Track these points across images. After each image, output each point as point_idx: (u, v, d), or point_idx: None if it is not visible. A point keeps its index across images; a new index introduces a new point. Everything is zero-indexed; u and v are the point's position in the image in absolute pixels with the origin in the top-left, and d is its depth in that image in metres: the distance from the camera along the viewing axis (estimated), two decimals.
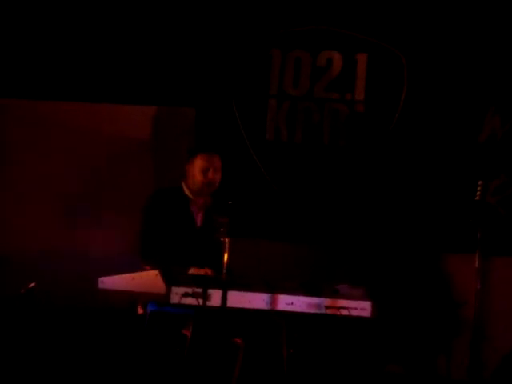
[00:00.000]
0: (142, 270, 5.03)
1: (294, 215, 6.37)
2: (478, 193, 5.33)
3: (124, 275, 4.85)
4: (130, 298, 4.88)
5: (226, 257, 4.71)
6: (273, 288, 4.92)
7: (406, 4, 6.30)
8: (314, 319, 5.03)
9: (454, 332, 6.19)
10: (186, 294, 4.72)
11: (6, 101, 6.45)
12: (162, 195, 5.45)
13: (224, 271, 4.71)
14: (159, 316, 4.92)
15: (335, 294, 5.00)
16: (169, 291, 4.72)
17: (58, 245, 6.30)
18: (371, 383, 6.05)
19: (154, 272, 4.79)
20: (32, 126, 6.44)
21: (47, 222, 6.36)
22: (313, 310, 4.94)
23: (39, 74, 6.43)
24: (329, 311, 4.96)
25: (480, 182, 5.34)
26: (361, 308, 5.01)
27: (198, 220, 5.44)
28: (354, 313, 4.99)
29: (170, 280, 4.75)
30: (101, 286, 4.88)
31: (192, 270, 5.11)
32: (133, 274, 4.84)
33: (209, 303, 4.75)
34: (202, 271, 5.09)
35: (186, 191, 5.45)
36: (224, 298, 4.68)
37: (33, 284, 5.35)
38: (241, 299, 4.82)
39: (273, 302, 4.88)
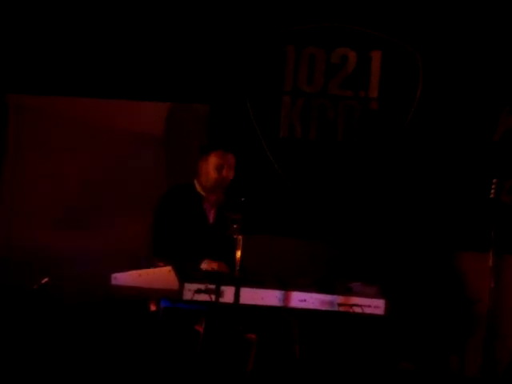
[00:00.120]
0: (155, 266, 5.04)
1: (308, 212, 6.37)
2: (492, 191, 5.32)
3: (137, 271, 4.85)
4: (143, 295, 4.89)
5: (238, 254, 4.71)
6: (286, 285, 4.91)
7: (421, 1, 6.28)
8: (326, 316, 5.03)
9: (468, 330, 6.17)
10: (198, 291, 4.72)
11: (18, 96, 6.46)
12: (175, 192, 5.45)
13: (237, 268, 4.71)
14: (172, 312, 4.92)
15: (348, 292, 5.00)
16: (182, 287, 4.72)
17: (71, 241, 6.32)
18: (384, 381, 6.04)
19: (167, 268, 4.79)
20: (44, 122, 6.46)
21: (60, 219, 6.38)
22: (325, 308, 4.93)
23: (53, 70, 6.45)
24: (342, 308, 4.95)
25: (494, 181, 5.32)
26: (374, 306, 5.01)
27: (211, 217, 5.44)
28: (367, 310, 4.99)
29: (183, 276, 4.75)
30: (114, 282, 4.89)
31: (205, 263, 5.11)
32: (146, 270, 4.85)
33: (222, 300, 4.75)
34: (215, 264, 5.09)
35: (199, 188, 5.44)
36: (237, 295, 4.68)
37: (46, 279, 5.36)
38: (253, 296, 4.81)
39: (285, 298, 4.88)
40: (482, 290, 5.50)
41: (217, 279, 4.80)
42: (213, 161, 5.39)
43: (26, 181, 6.44)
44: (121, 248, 6.12)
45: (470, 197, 6.17)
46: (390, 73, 6.33)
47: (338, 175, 6.38)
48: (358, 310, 4.95)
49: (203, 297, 4.74)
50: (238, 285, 4.70)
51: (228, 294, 4.74)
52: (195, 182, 5.46)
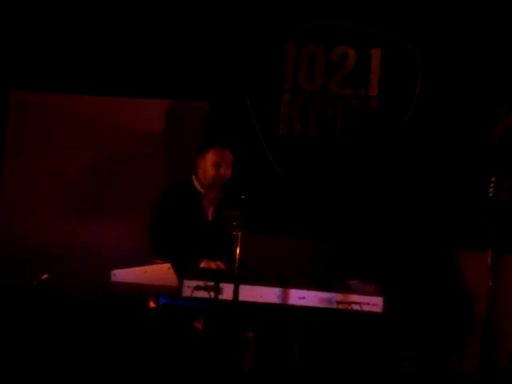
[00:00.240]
0: (154, 263, 5.05)
1: (307, 210, 6.37)
2: (491, 189, 5.32)
3: (136, 268, 4.86)
4: (142, 291, 4.89)
5: (237, 251, 4.72)
6: (284, 282, 4.92)
7: None
8: (325, 314, 5.03)
9: (466, 329, 6.18)
10: (197, 288, 4.74)
11: (20, 93, 6.47)
12: (174, 190, 5.45)
13: (236, 265, 4.71)
14: (171, 309, 4.93)
15: (347, 289, 5.01)
16: (181, 284, 4.74)
17: (71, 238, 6.33)
18: (382, 379, 6.04)
19: (167, 265, 4.80)
20: (44, 119, 6.46)
21: (58, 214, 6.38)
22: (324, 305, 4.94)
23: (54, 67, 6.45)
24: (340, 306, 4.96)
25: (493, 179, 5.32)
26: (372, 303, 5.01)
27: (210, 214, 5.44)
28: (366, 308, 4.99)
29: (182, 273, 4.76)
30: (113, 278, 4.90)
31: (204, 263, 5.11)
32: (145, 267, 4.86)
33: (221, 297, 4.76)
34: (213, 264, 5.09)
35: (197, 186, 5.44)
36: (236, 292, 4.69)
37: (45, 276, 5.37)
38: (252, 293, 4.82)
39: (284, 296, 4.89)
40: (481, 289, 5.50)
41: (216, 276, 4.81)
42: (210, 158, 5.39)
43: (27, 177, 6.44)
44: (121, 245, 6.13)
45: (469, 195, 6.18)
46: (390, 71, 6.33)
47: (338, 173, 6.39)
48: (356, 307, 4.96)
49: (202, 294, 4.75)
50: (236, 282, 4.71)
51: (227, 291, 4.75)
52: (194, 179, 5.47)
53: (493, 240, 5.29)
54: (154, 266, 4.89)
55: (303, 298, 4.91)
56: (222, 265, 5.09)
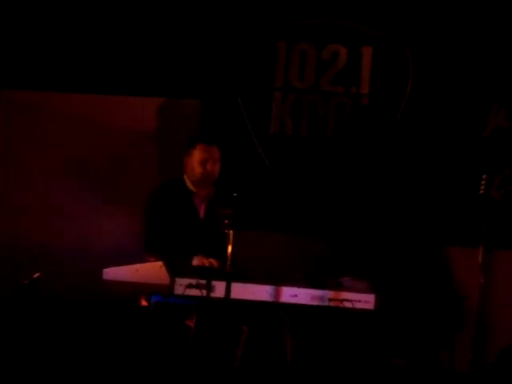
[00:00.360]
0: (147, 261, 5.05)
1: (299, 208, 6.38)
2: (482, 187, 5.33)
3: (128, 266, 4.86)
4: (135, 289, 4.89)
5: (229, 249, 4.72)
6: (276, 280, 4.93)
7: None
8: (317, 311, 5.04)
9: (457, 325, 6.20)
10: (190, 286, 4.74)
11: (11, 92, 6.45)
12: (166, 188, 5.45)
13: (228, 263, 4.72)
14: (163, 307, 4.93)
15: (339, 287, 5.01)
16: (173, 282, 4.74)
17: (62, 236, 6.32)
18: (374, 376, 6.06)
19: (159, 263, 4.80)
20: (35, 117, 6.45)
21: (51, 213, 6.37)
22: (316, 303, 4.95)
23: (45, 66, 6.44)
24: (332, 304, 4.97)
25: (484, 176, 5.34)
26: (364, 301, 5.02)
27: (201, 212, 5.44)
28: (358, 305, 5.00)
29: (175, 271, 4.76)
30: (105, 277, 4.89)
31: (196, 259, 5.11)
32: (137, 265, 4.85)
33: (213, 294, 4.77)
34: (206, 261, 5.09)
35: (189, 183, 5.45)
36: (228, 290, 4.69)
37: (37, 274, 5.36)
38: (244, 291, 4.83)
39: (276, 293, 4.90)
40: (472, 286, 5.52)
41: (208, 274, 4.81)
42: (197, 155, 5.39)
43: (19, 176, 6.43)
44: (112, 243, 6.13)
45: (460, 192, 6.20)
46: (381, 69, 6.34)
47: (329, 171, 6.39)
48: (348, 304, 4.97)
49: (194, 292, 4.75)
50: (228, 280, 4.71)
51: (219, 289, 4.76)
52: (185, 177, 5.47)
53: (484, 237, 5.31)
54: (145, 264, 4.89)
55: (295, 295, 4.91)
56: (214, 262, 5.09)
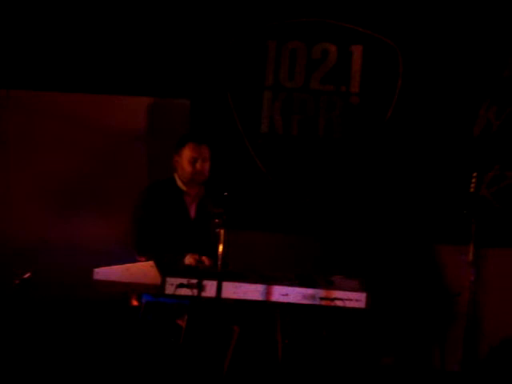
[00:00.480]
0: (137, 261, 5.04)
1: (290, 207, 6.38)
2: (472, 185, 5.34)
3: (119, 266, 4.84)
4: (125, 289, 4.88)
5: (220, 248, 4.71)
6: (268, 279, 4.92)
7: None
8: (308, 310, 5.04)
9: (448, 323, 6.21)
10: (180, 285, 4.73)
11: (2, 91, 6.45)
12: (156, 187, 5.45)
13: (219, 262, 4.71)
14: (154, 306, 4.93)
15: (330, 286, 5.01)
16: (164, 282, 4.73)
17: (52, 236, 6.30)
18: (365, 374, 6.06)
19: (149, 263, 4.79)
20: (25, 116, 6.43)
21: (41, 213, 6.36)
22: (307, 301, 4.94)
23: (34, 64, 6.42)
24: (323, 302, 4.96)
25: (474, 174, 5.35)
26: (355, 299, 5.02)
27: (192, 211, 5.44)
28: (349, 304, 5.00)
29: (165, 270, 4.75)
30: (96, 276, 4.88)
31: (189, 257, 5.11)
32: (128, 265, 4.84)
33: (204, 294, 4.76)
34: (198, 258, 5.08)
35: (179, 183, 5.44)
36: (219, 289, 4.68)
37: (28, 274, 5.35)
38: (236, 290, 4.82)
39: (268, 293, 4.89)
40: (462, 284, 5.52)
41: (199, 273, 4.80)
42: (186, 154, 5.39)
43: (8, 175, 6.41)
44: (103, 243, 6.12)
45: (450, 190, 6.21)
46: (371, 67, 6.35)
47: (320, 170, 6.40)
48: (339, 303, 4.97)
49: (185, 291, 4.74)
50: (220, 279, 4.70)
51: (210, 289, 4.75)
52: (175, 176, 5.47)
53: (474, 235, 5.32)
54: (136, 264, 4.88)
55: (286, 294, 4.91)
56: (207, 260, 5.09)
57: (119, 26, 6.40)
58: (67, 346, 5.90)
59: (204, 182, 5.44)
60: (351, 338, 5.95)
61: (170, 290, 4.73)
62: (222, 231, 4.72)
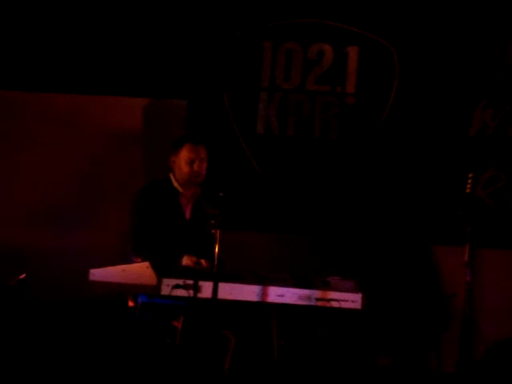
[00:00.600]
0: (133, 262, 5.04)
1: (286, 207, 6.38)
2: (468, 185, 5.35)
3: (115, 267, 4.84)
4: (121, 290, 4.88)
5: (216, 249, 4.71)
6: (263, 280, 4.92)
7: None
8: (304, 311, 5.04)
9: (444, 324, 6.21)
10: (176, 286, 4.73)
11: None
12: (152, 188, 5.44)
13: (215, 263, 4.71)
14: (150, 307, 4.92)
15: (326, 286, 5.01)
16: (160, 283, 4.73)
17: (48, 237, 6.30)
18: (361, 375, 6.06)
19: (145, 264, 4.79)
20: (21, 117, 6.42)
21: (38, 215, 6.35)
22: (303, 302, 4.94)
23: (28, 65, 6.41)
24: (319, 303, 4.96)
25: (470, 175, 5.36)
26: (351, 300, 5.01)
27: (187, 212, 5.44)
28: (345, 305, 4.99)
29: (161, 271, 4.75)
30: (92, 278, 4.87)
31: (186, 259, 5.11)
32: (124, 266, 4.84)
33: (200, 295, 4.76)
34: (195, 260, 5.08)
35: (175, 183, 5.44)
36: (215, 290, 4.68)
37: (23, 275, 5.34)
38: (232, 291, 4.82)
39: (263, 293, 4.89)
40: (458, 285, 5.53)
41: (195, 274, 4.80)
42: (184, 155, 5.38)
43: (2, 176, 6.40)
44: (99, 244, 6.12)
45: (446, 191, 6.22)
46: (367, 68, 6.35)
47: (316, 171, 6.40)
48: (335, 304, 4.96)
49: (181, 292, 4.75)
50: (216, 280, 4.70)
51: (206, 289, 4.75)
52: (171, 177, 5.46)
53: (470, 235, 5.32)
54: (132, 265, 4.88)
55: (282, 295, 4.91)
56: (204, 262, 5.08)
57: (115, 26, 6.40)
58: (63, 347, 5.89)
59: (201, 182, 5.44)
60: (347, 338, 5.95)
61: (165, 290, 4.74)
62: (218, 232, 4.72)
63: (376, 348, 6.26)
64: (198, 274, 4.80)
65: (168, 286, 4.73)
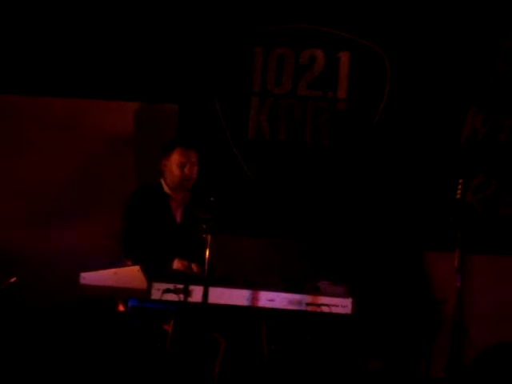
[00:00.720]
0: (124, 265, 5.04)
1: (276, 212, 6.39)
2: (458, 191, 5.36)
3: (106, 271, 4.84)
4: (112, 294, 4.87)
5: (207, 253, 4.71)
6: (254, 284, 4.93)
7: (389, 2, 6.33)
8: (294, 316, 5.04)
9: (433, 330, 6.22)
10: (167, 290, 4.73)
11: None
12: (142, 192, 5.44)
13: (206, 268, 4.71)
14: (140, 311, 4.92)
15: (316, 291, 5.02)
16: (150, 287, 4.73)
17: (39, 240, 6.28)
18: (352, 380, 6.07)
19: (136, 267, 4.79)
20: (11, 121, 6.42)
21: (28, 218, 6.34)
22: (294, 307, 4.94)
23: (19, 68, 6.40)
24: (310, 308, 4.96)
25: (461, 181, 5.37)
26: (342, 305, 5.02)
27: (178, 216, 5.44)
28: (335, 310, 5.00)
29: (152, 275, 4.75)
30: (82, 281, 4.87)
31: (177, 262, 5.10)
32: (114, 270, 4.84)
33: (190, 299, 4.75)
34: (186, 264, 5.08)
35: (165, 188, 5.44)
36: (205, 295, 4.68)
37: (13, 279, 5.33)
38: (222, 295, 4.82)
39: (254, 298, 4.89)
40: (448, 290, 5.54)
41: (185, 279, 4.80)
42: (175, 159, 5.39)
43: None
44: (89, 248, 6.11)
45: (437, 196, 6.23)
46: (358, 73, 6.36)
47: (307, 176, 6.41)
48: (325, 309, 4.97)
49: (172, 296, 4.74)
50: (206, 284, 4.70)
51: (196, 294, 4.75)
52: (162, 181, 5.47)
53: (460, 241, 5.34)
54: (123, 269, 4.88)
55: (273, 300, 4.91)
56: (195, 267, 5.08)
57: (107, 31, 6.39)
58: (53, 350, 5.88)
59: (191, 186, 5.44)
60: (337, 343, 5.96)
61: (156, 295, 4.73)
62: (209, 237, 4.73)
63: (367, 352, 6.27)
64: (188, 279, 4.80)
65: (158, 291, 4.72)
